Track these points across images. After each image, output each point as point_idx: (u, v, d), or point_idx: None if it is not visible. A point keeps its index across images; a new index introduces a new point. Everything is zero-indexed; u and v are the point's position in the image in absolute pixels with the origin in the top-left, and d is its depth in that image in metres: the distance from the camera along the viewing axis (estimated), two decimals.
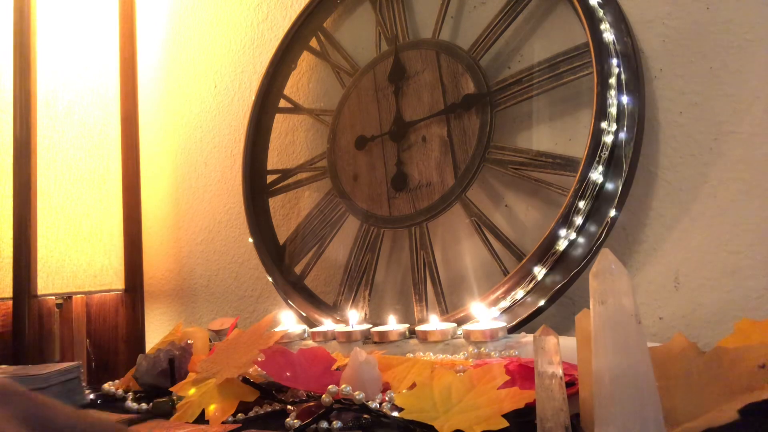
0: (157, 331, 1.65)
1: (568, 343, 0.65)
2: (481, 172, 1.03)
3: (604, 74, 0.88)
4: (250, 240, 1.32)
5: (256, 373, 0.85)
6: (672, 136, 0.92)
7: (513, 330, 0.92)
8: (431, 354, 0.88)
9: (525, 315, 0.92)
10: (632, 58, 0.90)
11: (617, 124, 0.88)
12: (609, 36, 0.90)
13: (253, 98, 1.38)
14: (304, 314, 1.19)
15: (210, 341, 1.10)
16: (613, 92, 0.87)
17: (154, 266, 1.68)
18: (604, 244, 0.88)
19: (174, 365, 0.97)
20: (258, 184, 1.36)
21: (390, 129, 1.14)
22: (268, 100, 1.37)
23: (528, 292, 0.91)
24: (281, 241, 1.32)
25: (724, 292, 0.86)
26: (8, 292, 1.41)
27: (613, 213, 0.88)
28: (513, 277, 0.91)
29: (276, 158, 1.44)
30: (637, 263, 0.93)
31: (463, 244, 1.11)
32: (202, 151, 1.62)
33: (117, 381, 1.08)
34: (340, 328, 1.05)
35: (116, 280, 1.50)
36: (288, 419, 0.71)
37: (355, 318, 1.05)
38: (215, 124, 1.60)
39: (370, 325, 1.03)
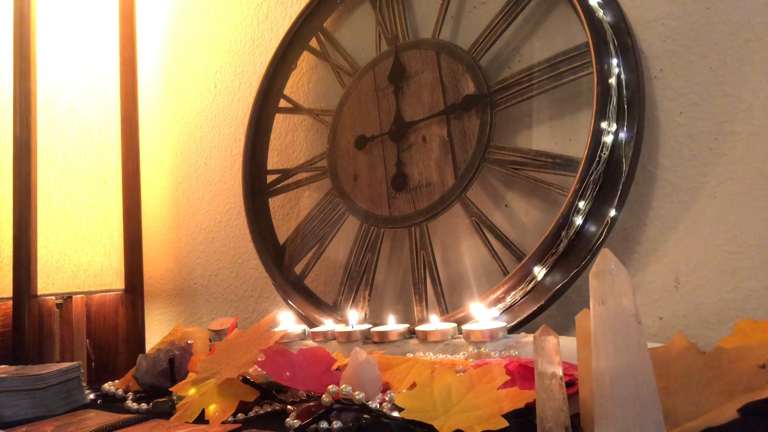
0: (157, 331, 1.65)
1: (568, 343, 0.65)
2: (481, 172, 1.03)
3: (604, 74, 0.88)
4: (251, 240, 1.32)
5: (256, 373, 0.85)
6: (672, 136, 0.92)
7: (513, 330, 0.92)
8: (431, 354, 0.88)
9: (525, 315, 0.92)
10: (632, 58, 0.90)
11: (617, 124, 0.88)
12: (609, 36, 0.90)
13: (253, 98, 1.38)
14: (304, 314, 1.19)
15: (210, 341, 1.10)
16: (613, 92, 0.87)
17: (154, 266, 1.68)
18: (604, 244, 0.88)
19: (174, 365, 0.97)
20: (258, 184, 1.36)
21: (390, 129, 1.14)
22: (268, 100, 1.37)
23: (528, 292, 0.91)
24: (281, 241, 1.32)
25: (724, 292, 0.86)
26: (8, 292, 1.41)
27: (613, 213, 0.88)
28: (513, 277, 0.91)
29: (276, 158, 1.44)
30: (637, 263, 0.93)
31: (463, 244, 1.11)
32: (202, 151, 1.62)
33: (117, 381, 1.09)
34: (340, 328, 1.04)
35: (116, 280, 1.50)
36: (288, 419, 0.71)
37: (355, 318, 1.05)
38: (215, 124, 1.60)
39: (370, 325, 1.03)
